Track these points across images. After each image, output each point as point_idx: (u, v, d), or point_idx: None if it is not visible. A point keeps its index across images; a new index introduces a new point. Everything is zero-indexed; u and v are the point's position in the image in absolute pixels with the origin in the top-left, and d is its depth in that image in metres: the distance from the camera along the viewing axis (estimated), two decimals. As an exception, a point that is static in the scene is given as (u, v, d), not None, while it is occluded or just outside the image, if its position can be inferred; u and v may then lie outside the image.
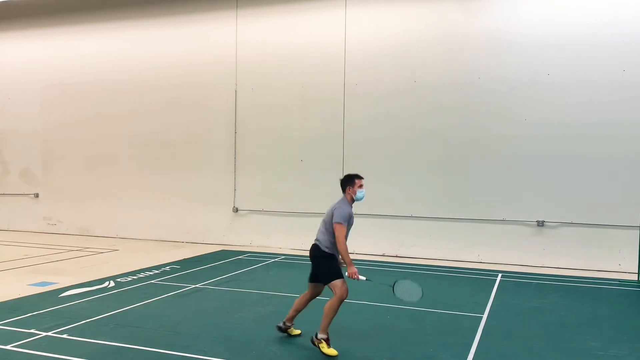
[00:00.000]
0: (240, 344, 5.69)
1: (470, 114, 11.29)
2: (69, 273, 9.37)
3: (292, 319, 5.93)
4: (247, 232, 13.09)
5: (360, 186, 5.86)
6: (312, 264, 5.75)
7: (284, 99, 12.74)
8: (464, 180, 11.29)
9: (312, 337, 5.51)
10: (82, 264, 10.43)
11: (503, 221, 11.04)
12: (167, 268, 9.99)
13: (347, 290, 5.42)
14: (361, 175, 5.90)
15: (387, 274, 9.94)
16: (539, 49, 10.77)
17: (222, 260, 10.97)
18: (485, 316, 6.92)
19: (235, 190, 13.24)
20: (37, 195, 15.40)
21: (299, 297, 5.95)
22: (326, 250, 5.62)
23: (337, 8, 12.25)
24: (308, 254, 5.81)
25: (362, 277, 5.52)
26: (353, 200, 5.85)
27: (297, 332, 5.97)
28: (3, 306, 7.07)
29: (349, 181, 5.86)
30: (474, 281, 9.34)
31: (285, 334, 5.94)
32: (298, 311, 5.90)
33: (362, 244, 12.07)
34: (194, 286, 8.46)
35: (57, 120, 15.12)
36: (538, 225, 10.83)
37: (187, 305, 7.38)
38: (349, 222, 5.71)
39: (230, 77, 13.21)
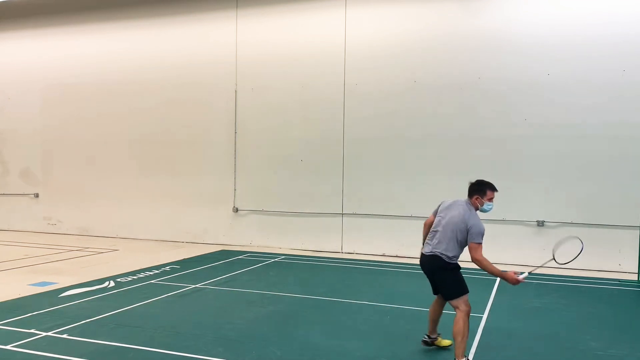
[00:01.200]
0: (240, 344, 5.69)
1: (470, 114, 11.29)
2: (69, 273, 9.37)
3: (434, 330, 5.53)
4: (247, 232, 13.09)
5: (490, 199, 5.35)
6: (432, 276, 5.26)
7: (284, 99, 12.74)
8: (464, 180, 11.19)
9: None
10: (82, 264, 10.43)
11: (503, 221, 11.03)
12: (167, 268, 9.99)
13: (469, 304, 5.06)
14: (495, 187, 5.46)
15: (388, 273, 9.94)
16: (539, 49, 10.77)
17: (222, 260, 10.97)
18: (485, 316, 6.93)
19: (235, 190, 13.24)
20: (37, 195, 15.40)
21: (430, 307, 5.52)
22: (451, 261, 5.13)
23: (337, 8, 12.25)
24: (420, 264, 5.35)
25: (523, 276, 5.03)
26: (477, 209, 5.34)
27: (447, 342, 5.48)
28: (3, 306, 7.07)
29: (479, 190, 5.37)
30: (474, 281, 9.27)
31: (433, 347, 5.52)
32: (435, 321, 5.49)
33: (362, 244, 12.09)
34: (194, 286, 8.45)
35: (57, 120, 15.12)
36: (538, 225, 10.83)
37: (187, 305, 7.38)
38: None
39: (230, 77, 13.21)
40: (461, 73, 11.32)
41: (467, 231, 5.04)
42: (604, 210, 10.39)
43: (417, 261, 11.32)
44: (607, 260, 10.34)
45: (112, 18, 14.40)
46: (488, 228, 11.89)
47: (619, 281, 9.40)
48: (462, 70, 11.32)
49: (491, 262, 5.03)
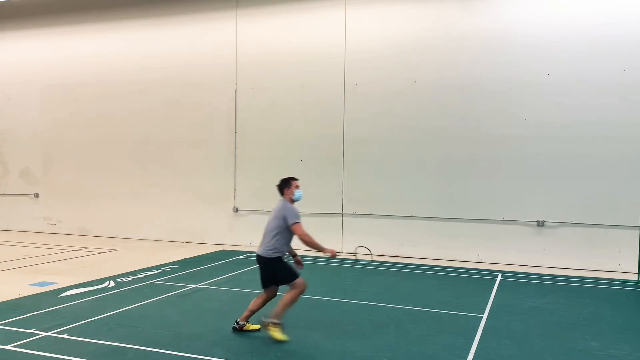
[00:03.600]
0: (240, 344, 5.69)
1: (470, 114, 11.29)
2: (69, 273, 9.37)
3: (246, 318, 6.12)
4: (247, 232, 13.07)
5: (297, 187, 6.31)
6: (262, 271, 6.05)
7: (284, 99, 12.74)
8: (464, 180, 11.29)
9: (263, 320, 5.88)
10: (82, 264, 10.43)
11: (503, 221, 11.03)
12: (167, 268, 9.99)
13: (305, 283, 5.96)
14: (296, 177, 6.43)
15: (388, 273, 9.94)
16: (539, 49, 10.77)
17: (222, 260, 10.97)
18: (485, 316, 6.92)
19: (235, 190, 13.24)
20: (37, 195, 15.40)
21: (254, 300, 6.13)
22: (274, 255, 5.93)
23: (337, 8, 12.25)
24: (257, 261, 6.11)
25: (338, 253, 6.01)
26: (292, 201, 6.27)
27: (255, 327, 6.14)
28: (3, 306, 7.07)
29: (285, 184, 6.30)
30: (474, 281, 9.34)
31: (241, 332, 6.12)
32: (253, 311, 6.10)
33: (362, 244, 12.06)
34: (194, 286, 8.46)
35: (57, 120, 15.12)
36: (538, 225, 10.82)
37: (187, 305, 7.38)
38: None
39: (230, 77, 13.20)
40: (461, 73, 11.32)
41: (285, 219, 5.99)
42: (604, 210, 10.39)
43: (418, 261, 11.42)
44: (607, 260, 10.34)
45: (112, 18, 14.39)
46: (488, 228, 11.84)
47: (619, 281, 9.40)
48: (462, 70, 11.31)
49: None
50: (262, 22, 12.91)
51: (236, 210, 13.21)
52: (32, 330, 5.97)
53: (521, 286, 8.92)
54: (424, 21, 11.63)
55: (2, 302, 7.24)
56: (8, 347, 5.45)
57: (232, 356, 5.31)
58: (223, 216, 13.36)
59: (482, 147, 11.18)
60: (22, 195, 15.55)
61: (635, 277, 9.51)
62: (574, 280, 9.48)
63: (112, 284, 8.55)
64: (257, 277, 9.41)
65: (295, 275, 5.95)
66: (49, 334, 5.88)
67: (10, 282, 8.59)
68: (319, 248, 5.87)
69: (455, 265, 10.75)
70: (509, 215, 11.00)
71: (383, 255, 11.81)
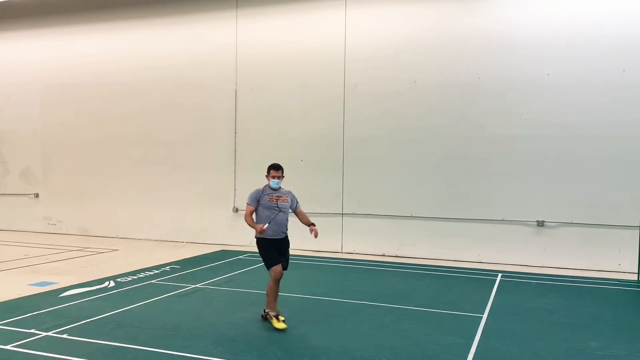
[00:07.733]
0: (240, 344, 5.69)
1: (470, 113, 11.29)
2: (69, 273, 9.37)
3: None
4: (247, 232, 13.03)
5: (274, 177, 6.48)
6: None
7: (284, 99, 12.74)
8: (464, 180, 11.29)
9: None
10: (82, 264, 10.43)
11: (503, 221, 11.04)
12: (167, 268, 9.99)
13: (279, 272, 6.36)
14: (277, 166, 6.54)
15: (387, 273, 9.94)
16: (539, 49, 10.77)
17: (222, 260, 10.97)
18: (485, 316, 6.92)
19: (235, 190, 13.24)
20: (37, 195, 15.40)
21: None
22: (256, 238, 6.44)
23: (337, 8, 12.25)
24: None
25: (266, 226, 6.23)
26: (269, 187, 6.55)
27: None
28: (3, 306, 7.07)
29: (267, 171, 6.56)
30: (474, 281, 9.34)
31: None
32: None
33: (362, 244, 12.09)
34: (194, 286, 8.46)
35: (57, 120, 15.12)
36: (538, 225, 10.83)
37: (187, 305, 7.38)
38: (260, 202, 6.40)
39: (230, 77, 13.21)
40: (461, 73, 11.32)
41: None
42: (604, 210, 10.39)
43: (418, 261, 11.41)
44: (607, 260, 10.34)
45: (112, 18, 14.40)
46: (488, 228, 11.88)
47: (619, 281, 9.40)
48: (462, 70, 11.31)
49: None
50: (262, 22, 12.92)
51: (236, 210, 13.21)
52: (32, 330, 5.97)
53: (521, 286, 8.92)
54: (424, 21, 11.63)
55: (2, 302, 7.24)
56: (8, 347, 5.45)
57: (232, 356, 5.30)
58: (223, 216, 13.37)
59: (482, 147, 11.18)
60: (22, 195, 15.55)
61: (635, 277, 9.51)
62: (574, 280, 9.49)
63: (112, 284, 8.55)
64: (257, 277, 9.48)
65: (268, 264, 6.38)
66: (49, 334, 5.88)
67: (10, 282, 8.59)
68: (252, 225, 6.33)
69: (455, 265, 10.75)
70: (509, 215, 11.00)
71: (383, 255, 11.81)
